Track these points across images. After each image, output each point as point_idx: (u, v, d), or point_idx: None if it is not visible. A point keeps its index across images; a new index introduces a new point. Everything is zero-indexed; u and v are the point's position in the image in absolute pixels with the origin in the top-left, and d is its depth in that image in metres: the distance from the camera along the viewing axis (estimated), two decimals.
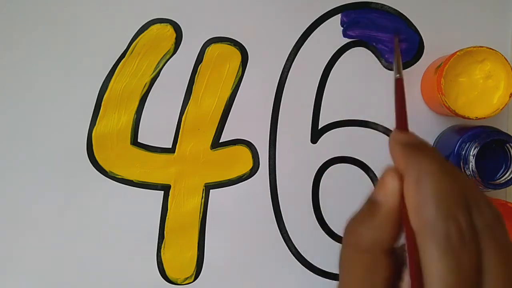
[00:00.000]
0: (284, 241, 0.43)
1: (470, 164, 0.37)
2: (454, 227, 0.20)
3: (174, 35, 0.43)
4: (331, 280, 0.43)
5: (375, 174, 0.43)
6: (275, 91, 0.43)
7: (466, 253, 0.20)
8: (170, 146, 0.43)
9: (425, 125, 0.43)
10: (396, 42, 0.40)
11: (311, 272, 0.43)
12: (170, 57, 0.43)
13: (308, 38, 0.43)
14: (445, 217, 0.21)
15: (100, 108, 0.43)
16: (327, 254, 0.43)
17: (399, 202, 0.23)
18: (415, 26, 0.43)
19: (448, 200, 0.21)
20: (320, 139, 0.43)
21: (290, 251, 0.43)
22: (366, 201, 0.24)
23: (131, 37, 0.43)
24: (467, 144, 0.38)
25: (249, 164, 0.43)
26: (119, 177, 0.43)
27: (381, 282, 0.23)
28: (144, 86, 0.43)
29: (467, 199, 0.22)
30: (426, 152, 0.23)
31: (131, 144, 0.43)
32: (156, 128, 0.43)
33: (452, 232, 0.20)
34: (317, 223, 0.43)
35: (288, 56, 0.43)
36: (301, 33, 0.43)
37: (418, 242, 0.21)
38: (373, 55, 0.43)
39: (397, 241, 0.23)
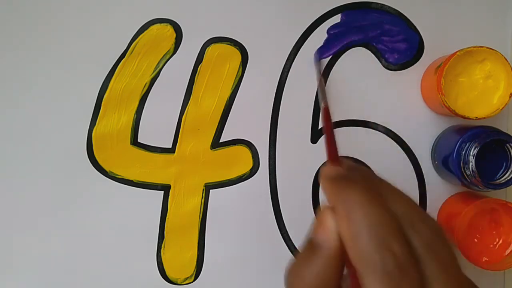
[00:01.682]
0: (284, 241, 0.43)
1: (470, 164, 0.37)
2: (390, 256, 0.20)
3: (174, 35, 0.43)
4: None
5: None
6: (275, 91, 0.43)
7: (407, 280, 0.20)
8: (170, 146, 0.43)
9: (425, 125, 0.43)
10: (318, 68, 0.38)
11: None
12: (170, 57, 0.43)
13: (308, 38, 0.43)
14: (379, 248, 0.20)
15: (100, 108, 0.43)
16: None
17: (339, 240, 0.22)
18: (415, 26, 0.43)
19: (380, 229, 0.20)
20: (320, 139, 0.43)
21: (290, 251, 0.43)
22: (306, 243, 0.23)
23: (131, 37, 0.43)
24: (467, 144, 0.38)
25: (249, 164, 0.43)
26: (119, 177, 0.43)
27: None
28: (144, 86, 0.43)
29: (400, 222, 0.21)
30: (352, 184, 0.22)
31: (131, 144, 0.43)
32: (156, 128, 0.43)
33: (388, 262, 0.20)
34: None
35: (288, 56, 0.43)
36: (301, 33, 0.43)
37: (359, 277, 0.21)
38: (373, 55, 0.43)
39: (341, 278, 0.23)
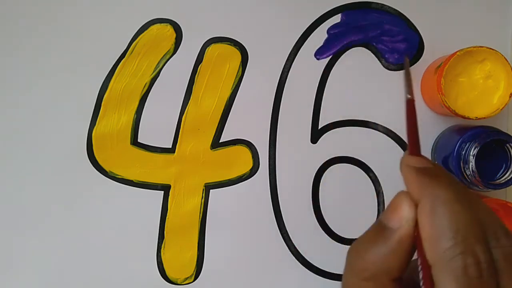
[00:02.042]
0: (284, 241, 0.43)
1: (470, 164, 0.37)
2: (472, 260, 0.19)
3: (174, 35, 0.43)
4: (331, 280, 0.43)
5: (375, 174, 0.43)
6: (275, 91, 0.43)
7: (485, 287, 0.19)
8: (170, 146, 0.43)
9: (425, 125, 0.43)
10: (407, 63, 0.39)
11: (311, 272, 0.43)
12: (170, 57, 0.43)
13: (308, 38, 0.43)
14: (463, 250, 0.20)
15: (100, 108, 0.43)
16: (327, 254, 0.43)
17: (413, 231, 0.22)
18: (415, 26, 0.43)
19: (465, 231, 0.20)
20: (320, 139, 0.43)
21: (290, 251, 0.43)
22: (376, 225, 0.23)
23: (131, 37, 0.43)
24: (467, 144, 0.38)
25: (249, 164, 0.43)
26: (119, 177, 0.43)
27: None
28: (144, 86, 0.43)
29: (484, 228, 0.21)
30: (441, 179, 0.22)
31: (131, 144, 0.43)
32: (156, 128, 0.43)
33: (470, 266, 0.19)
34: (317, 223, 0.43)
35: (288, 56, 0.43)
36: (301, 33, 0.43)
37: (434, 274, 0.20)
38: (373, 55, 0.43)
39: (406, 270, 0.22)
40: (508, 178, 0.38)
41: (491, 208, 0.22)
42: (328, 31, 0.43)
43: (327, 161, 0.43)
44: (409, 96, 0.28)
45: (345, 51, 0.43)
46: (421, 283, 0.21)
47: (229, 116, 0.43)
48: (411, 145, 0.26)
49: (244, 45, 0.43)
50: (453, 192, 0.21)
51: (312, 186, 0.43)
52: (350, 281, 0.23)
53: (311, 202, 0.43)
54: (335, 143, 0.43)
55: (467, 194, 0.22)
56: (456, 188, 0.21)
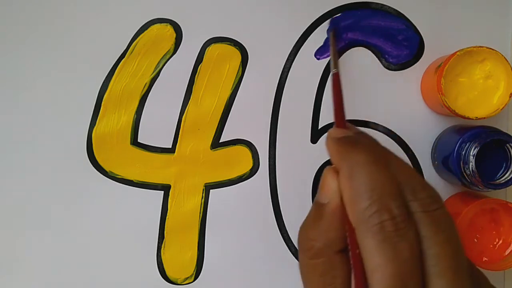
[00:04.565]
0: (284, 241, 0.43)
1: (470, 164, 0.37)
2: (387, 216, 0.20)
3: (174, 35, 0.43)
4: None
5: None
6: (275, 91, 0.43)
7: (404, 241, 0.20)
8: (170, 146, 0.43)
9: (425, 125, 0.43)
10: (332, 37, 0.39)
11: None
12: (170, 57, 0.43)
13: (308, 38, 0.43)
14: (378, 208, 0.20)
15: (100, 108, 0.43)
16: None
17: (340, 199, 0.22)
18: (415, 26, 0.43)
19: (380, 189, 0.21)
20: (320, 139, 0.43)
21: (290, 251, 0.43)
22: (313, 204, 0.24)
23: (131, 37, 0.43)
24: (467, 144, 0.38)
25: (249, 164, 0.43)
26: (119, 177, 0.43)
27: (341, 283, 0.22)
28: (144, 86, 0.43)
29: (401, 185, 0.21)
30: (359, 145, 0.23)
31: (131, 144, 0.43)
32: (156, 128, 0.43)
33: (385, 222, 0.20)
34: None
35: (288, 56, 0.43)
36: (301, 33, 0.43)
37: (357, 235, 0.21)
38: (373, 55, 0.43)
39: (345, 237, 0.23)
40: (508, 178, 0.38)
41: (410, 166, 0.23)
42: (328, 31, 0.43)
43: (327, 161, 0.43)
44: (335, 70, 0.28)
45: (345, 51, 0.43)
46: (349, 247, 0.22)
47: (229, 116, 0.43)
48: (336, 119, 0.27)
49: (244, 45, 0.43)
50: (369, 155, 0.22)
51: (312, 186, 0.43)
52: (302, 262, 0.24)
53: (311, 202, 0.43)
54: None
55: (385, 155, 0.23)
56: (373, 150, 0.22)
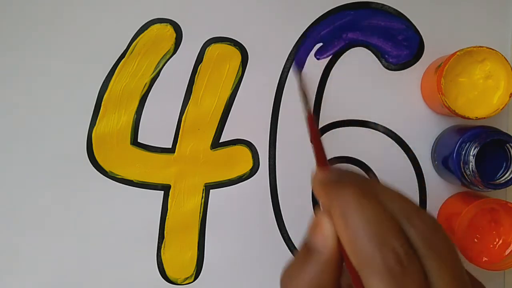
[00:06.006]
0: (284, 241, 0.43)
1: (470, 164, 0.37)
2: (391, 253, 0.20)
3: (174, 35, 0.43)
4: None
5: (375, 174, 0.43)
6: (275, 91, 0.43)
7: (410, 277, 0.20)
8: (170, 146, 0.43)
9: (425, 125, 0.43)
10: (301, 77, 0.38)
11: None
12: (170, 57, 0.43)
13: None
14: (379, 246, 0.20)
15: (100, 108, 0.43)
16: None
17: (338, 245, 0.22)
18: (415, 26, 0.43)
19: (378, 227, 0.20)
20: (320, 139, 0.43)
21: (290, 251, 0.43)
22: (302, 246, 0.23)
23: (131, 37, 0.43)
24: (467, 144, 0.38)
25: (249, 164, 0.43)
26: (119, 177, 0.43)
27: None
28: (144, 86, 0.43)
29: (396, 217, 0.21)
30: (346, 186, 0.22)
31: (131, 144, 0.43)
32: (156, 128, 0.43)
33: (390, 260, 0.20)
34: None
35: (288, 56, 0.43)
36: (301, 33, 0.43)
37: (362, 277, 0.20)
38: (373, 55, 0.43)
39: (341, 280, 0.23)
40: (508, 178, 0.38)
41: (398, 190, 0.23)
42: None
43: None
44: (308, 113, 0.28)
45: (345, 51, 0.43)
46: None
47: (229, 116, 0.43)
48: (317, 160, 0.27)
49: (244, 45, 0.43)
50: (357, 194, 0.21)
51: None
52: None
53: (311, 202, 0.43)
54: (335, 143, 0.43)
55: (371, 186, 0.22)
56: (359, 184, 0.22)
